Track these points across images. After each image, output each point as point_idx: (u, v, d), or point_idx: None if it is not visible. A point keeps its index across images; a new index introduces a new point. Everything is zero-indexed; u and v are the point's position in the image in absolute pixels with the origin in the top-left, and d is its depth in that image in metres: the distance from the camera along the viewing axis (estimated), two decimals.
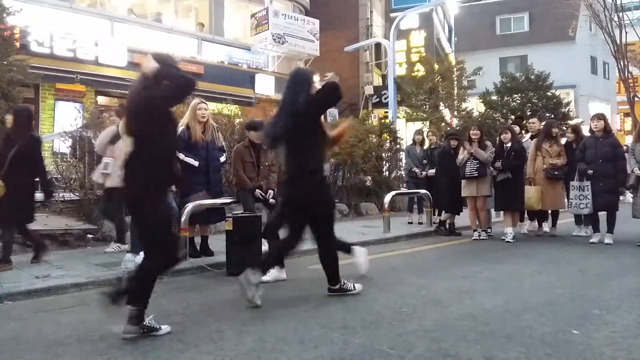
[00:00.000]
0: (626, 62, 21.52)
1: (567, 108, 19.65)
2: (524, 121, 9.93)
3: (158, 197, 3.26)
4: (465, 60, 19.31)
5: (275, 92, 15.80)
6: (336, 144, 4.82)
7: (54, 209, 7.20)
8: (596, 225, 7.15)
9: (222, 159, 6.09)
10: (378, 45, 19.17)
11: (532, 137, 8.23)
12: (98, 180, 6.18)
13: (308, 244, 4.19)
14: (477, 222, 7.59)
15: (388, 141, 11.89)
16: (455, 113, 17.91)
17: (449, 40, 26.44)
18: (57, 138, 7.82)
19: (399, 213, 10.28)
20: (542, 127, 8.09)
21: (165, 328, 3.23)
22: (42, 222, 6.53)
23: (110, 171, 5.79)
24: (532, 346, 2.94)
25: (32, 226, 6.26)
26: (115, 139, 5.68)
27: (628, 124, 31.24)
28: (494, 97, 19.63)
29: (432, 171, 8.78)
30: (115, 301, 3.12)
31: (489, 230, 7.77)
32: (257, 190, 5.74)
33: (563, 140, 8.15)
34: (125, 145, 3.35)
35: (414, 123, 17.31)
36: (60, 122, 10.03)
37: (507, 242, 7.11)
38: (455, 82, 18.33)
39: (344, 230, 6.77)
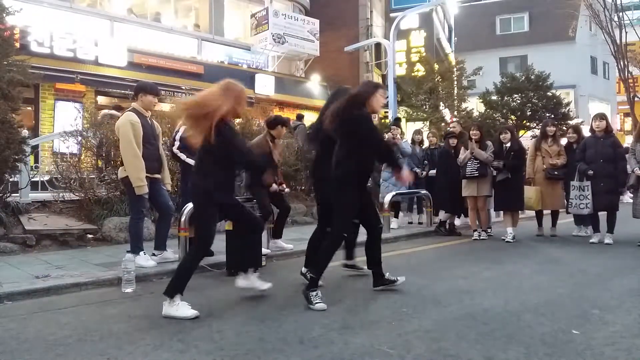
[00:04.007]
0: (626, 62, 21.51)
1: (567, 108, 19.65)
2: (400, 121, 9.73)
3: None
4: (465, 60, 19.35)
5: (275, 92, 15.83)
6: None
7: (54, 209, 7.19)
8: (596, 225, 7.14)
9: None
10: (378, 45, 19.18)
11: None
12: None
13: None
14: (477, 222, 7.59)
15: None
16: (455, 113, 17.92)
17: (449, 40, 26.47)
18: (57, 138, 7.81)
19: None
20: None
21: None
22: (42, 222, 6.54)
23: None
24: (532, 346, 2.94)
25: (32, 226, 6.29)
26: None
27: (628, 124, 31.26)
28: (494, 97, 19.64)
29: (432, 171, 8.77)
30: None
31: (489, 230, 7.77)
32: (273, 185, 5.84)
33: (564, 141, 8.13)
34: None
35: (414, 123, 17.34)
36: (60, 122, 10.04)
37: (507, 242, 7.12)
38: (455, 82, 18.34)
39: None
